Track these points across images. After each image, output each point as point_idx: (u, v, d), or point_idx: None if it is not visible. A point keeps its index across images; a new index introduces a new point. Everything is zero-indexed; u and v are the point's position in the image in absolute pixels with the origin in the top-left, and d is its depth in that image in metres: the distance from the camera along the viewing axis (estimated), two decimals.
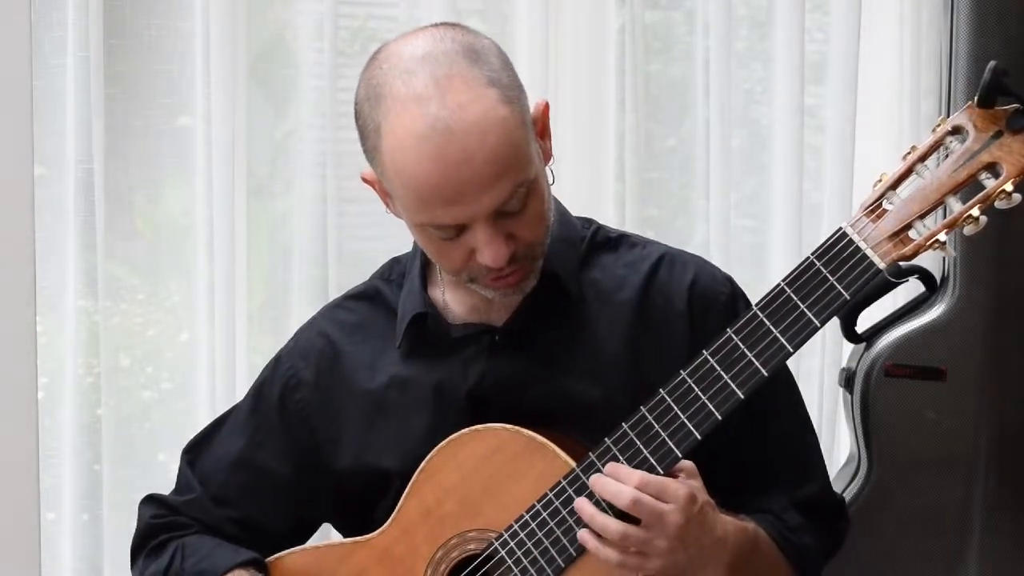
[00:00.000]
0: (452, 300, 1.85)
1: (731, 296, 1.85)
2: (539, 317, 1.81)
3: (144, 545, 1.93)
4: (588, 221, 1.92)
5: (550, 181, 1.76)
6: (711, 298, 1.83)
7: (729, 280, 1.88)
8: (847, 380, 2.59)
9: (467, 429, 1.74)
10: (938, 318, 2.53)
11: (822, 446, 2.69)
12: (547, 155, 1.76)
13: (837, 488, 2.57)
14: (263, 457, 1.91)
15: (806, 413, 1.92)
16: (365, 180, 1.76)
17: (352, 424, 1.86)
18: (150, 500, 1.97)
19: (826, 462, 2.69)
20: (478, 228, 1.66)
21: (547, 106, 1.75)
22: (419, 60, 1.64)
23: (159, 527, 1.93)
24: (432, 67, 1.63)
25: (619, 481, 1.63)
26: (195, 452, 1.97)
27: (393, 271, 1.93)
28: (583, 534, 1.65)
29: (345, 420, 1.87)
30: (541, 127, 1.75)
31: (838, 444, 2.73)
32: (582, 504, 1.65)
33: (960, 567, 2.54)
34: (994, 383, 2.54)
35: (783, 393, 1.87)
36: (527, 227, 1.70)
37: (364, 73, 1.71)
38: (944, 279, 2.55)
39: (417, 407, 1.83)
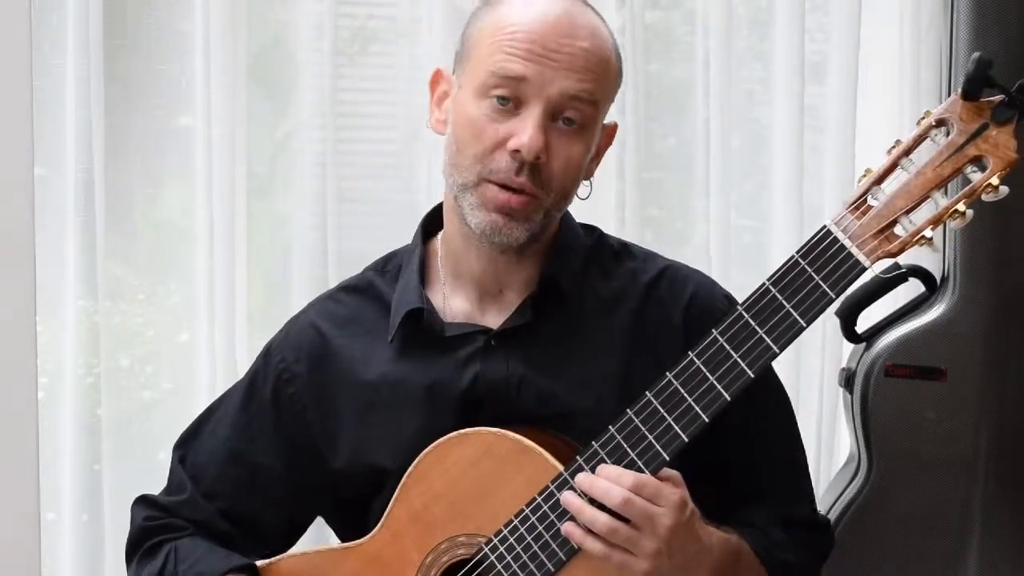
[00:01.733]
0: (449, 301, 1.84)
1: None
2: (535, 321, 1.80)
3: (137, 548, 1.91)
4: (591, 229, 1.91)
5: (583, 196, 1.80)
6: (709, 314, 1.80)
7: (729, 298, 1.86)
8: (847, 380, 2.58)
9: (454, 433, 1.72)
10: (938, 318, 2.53)
11: (822, 446, 2.72)
12: (590, 171, 1.81)
13: (837, 488, 2.57)
14: (255, 452, 1.89)
15: (797, 431, 1.90)
16: (434, 78, 1.82)
17: (347, 420, 1.85)
18: (143, 501, 1.95)
19: (826, 462, 2.72)
20: (532, 109, 1.70)
21: (615, 128, 1.83)
22: None
23: (152, 529, 1.91)
24: None
25: (609, 481, 1.61)
26: (186, 448, 1.94)
27: (389, 264, 1.91)
28: (568, 526, 1.63)
29: (340, 416, 1.85)
30: (603, 142, 1.81)
31: (838, 444, 2.73)
32: (569, 498, 1.63)
33: (960, 567, 2.53)
34: (994, 383, 2.53)
35: (774, 411, 1.86)
36: (559, 160, 1.72)
37: None
38: (944, 279, 2.54)
39: (410, 407, 1.81)
